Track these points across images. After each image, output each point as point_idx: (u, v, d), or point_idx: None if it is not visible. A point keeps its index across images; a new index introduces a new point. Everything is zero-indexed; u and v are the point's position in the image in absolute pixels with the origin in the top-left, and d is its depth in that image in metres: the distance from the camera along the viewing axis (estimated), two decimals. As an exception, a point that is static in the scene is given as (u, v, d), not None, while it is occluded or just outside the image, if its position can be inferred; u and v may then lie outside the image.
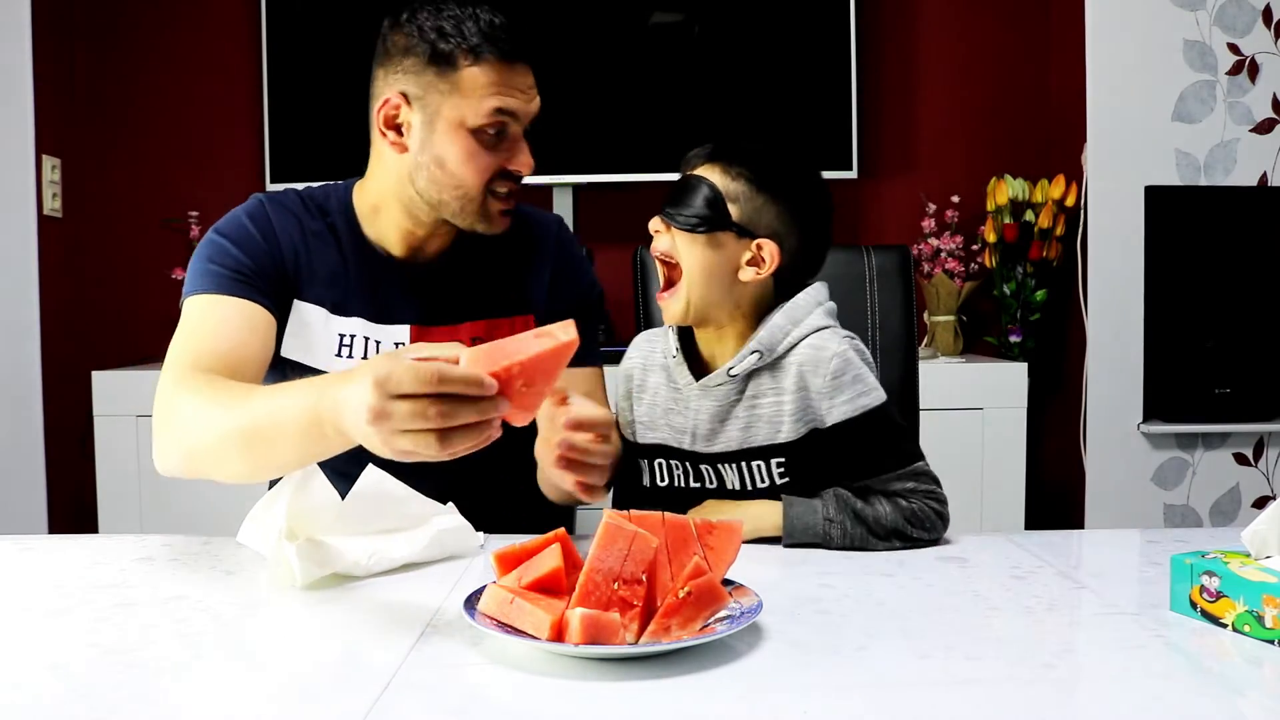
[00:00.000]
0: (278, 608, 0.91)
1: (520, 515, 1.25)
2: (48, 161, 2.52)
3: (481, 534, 1.09)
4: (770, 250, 1.13)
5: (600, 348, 1.37)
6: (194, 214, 2.64)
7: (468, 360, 0.79)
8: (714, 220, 1.12)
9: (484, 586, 0.82)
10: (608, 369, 1.36)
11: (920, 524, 1.09)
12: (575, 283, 1.36)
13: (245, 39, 2.70)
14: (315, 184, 1.33)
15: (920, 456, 1.14)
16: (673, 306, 1.15)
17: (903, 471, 1.12)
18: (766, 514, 1.11)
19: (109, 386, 2.36)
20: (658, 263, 1.17)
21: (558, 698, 0.70)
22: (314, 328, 1.24)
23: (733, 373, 1.13)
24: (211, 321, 1.16)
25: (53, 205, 2.54)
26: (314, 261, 1.24)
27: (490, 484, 1.29)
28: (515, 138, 1.20)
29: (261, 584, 0.96)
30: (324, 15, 2.58)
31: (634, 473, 1.23)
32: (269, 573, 0.96)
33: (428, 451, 0.80)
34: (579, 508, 1.51)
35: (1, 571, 1.02)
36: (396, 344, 1.25)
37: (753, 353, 1.13)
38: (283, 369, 1.23)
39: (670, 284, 1.15)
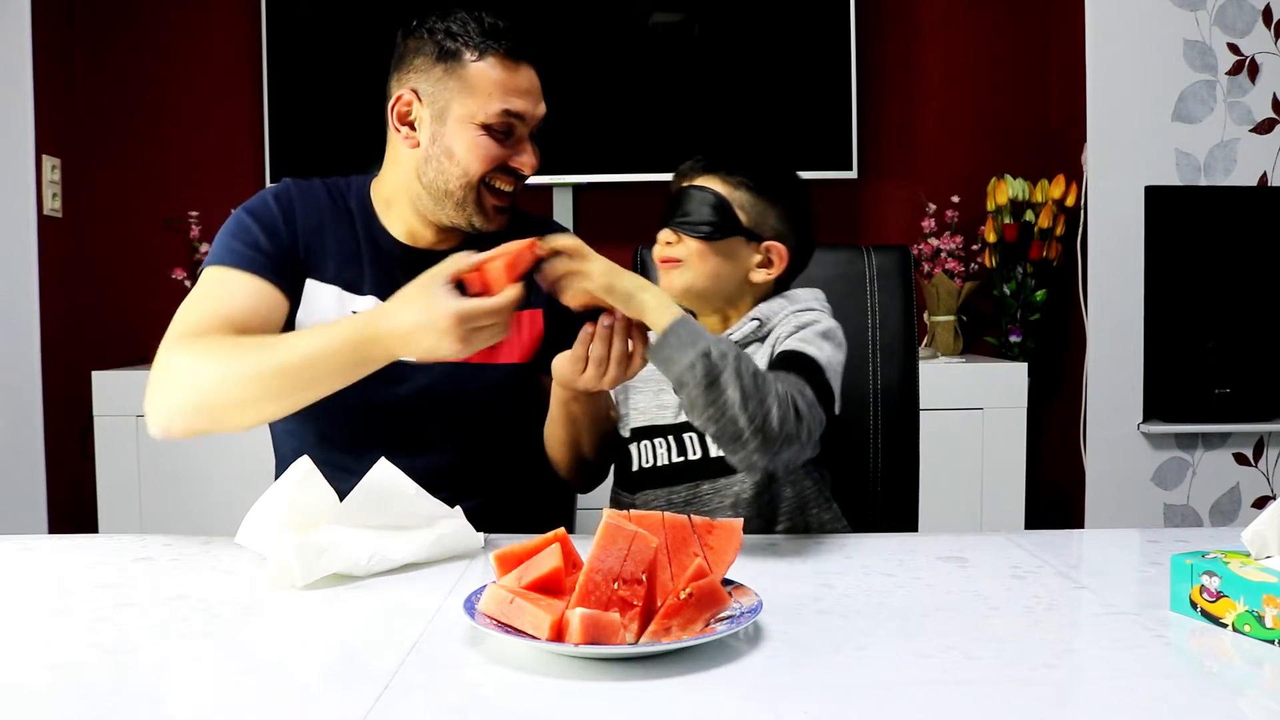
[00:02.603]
0: (278, 608, 0.91)
1: (520, 515, 1.25)
2: (48, 161, 2.52)
3: (482, 534, 1.09)
4: (779, 251, 1.20)
5: None
6: (194, 214, 2.64)
7: (494, 275, 1.05)
8: (725, 226, 1.18)
9: (484, 586, 0.82)
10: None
11: (799, 412, 1.03)
12: None
13: (245, 39, 2.70)
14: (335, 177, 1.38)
15: (827, 412, 1.10)
16: (675, 280, 1.19)
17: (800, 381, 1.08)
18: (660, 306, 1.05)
19: (109, 386, 2.36)
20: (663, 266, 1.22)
21: (558, 698, 0.70)
22: (328, 306, 1.27)
23: (733, 338, 1.18)
24: (223, 291, 1.22)
25: (53, 205, 2.54)
26: (329, 243, 1.29)
27: (494, 475, 1.30)
28: (521, 138, 1.26)
29: (261, 584, 0.96)
30: (324, 15, 2.58)
31: (625, 461, 1.27)
32: (268, 573, 0.96)
33: (494, 340, 1.06)
34: (579, 508, 1.51)
35: (1, 571, 1.02)
36: None
37: (753, 320, 1.19)
38: None
39: (669, 260, 1.19)
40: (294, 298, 1.26)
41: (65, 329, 2.58)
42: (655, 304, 1.05)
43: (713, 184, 1.19)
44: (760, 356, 1.17)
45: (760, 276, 1.20)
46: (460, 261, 1.06)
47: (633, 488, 1.25)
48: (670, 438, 1.21)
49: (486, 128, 1.22)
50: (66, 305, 2.60)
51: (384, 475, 1.04)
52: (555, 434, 1.25)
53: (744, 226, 1.19)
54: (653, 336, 1.05)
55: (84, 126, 2.70)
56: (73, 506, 2.55)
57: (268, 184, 2.57)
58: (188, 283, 2.58)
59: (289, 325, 1.25)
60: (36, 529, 2.44)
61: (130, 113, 2.73)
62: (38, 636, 0.83)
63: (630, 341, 1.08)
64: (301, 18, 2.58)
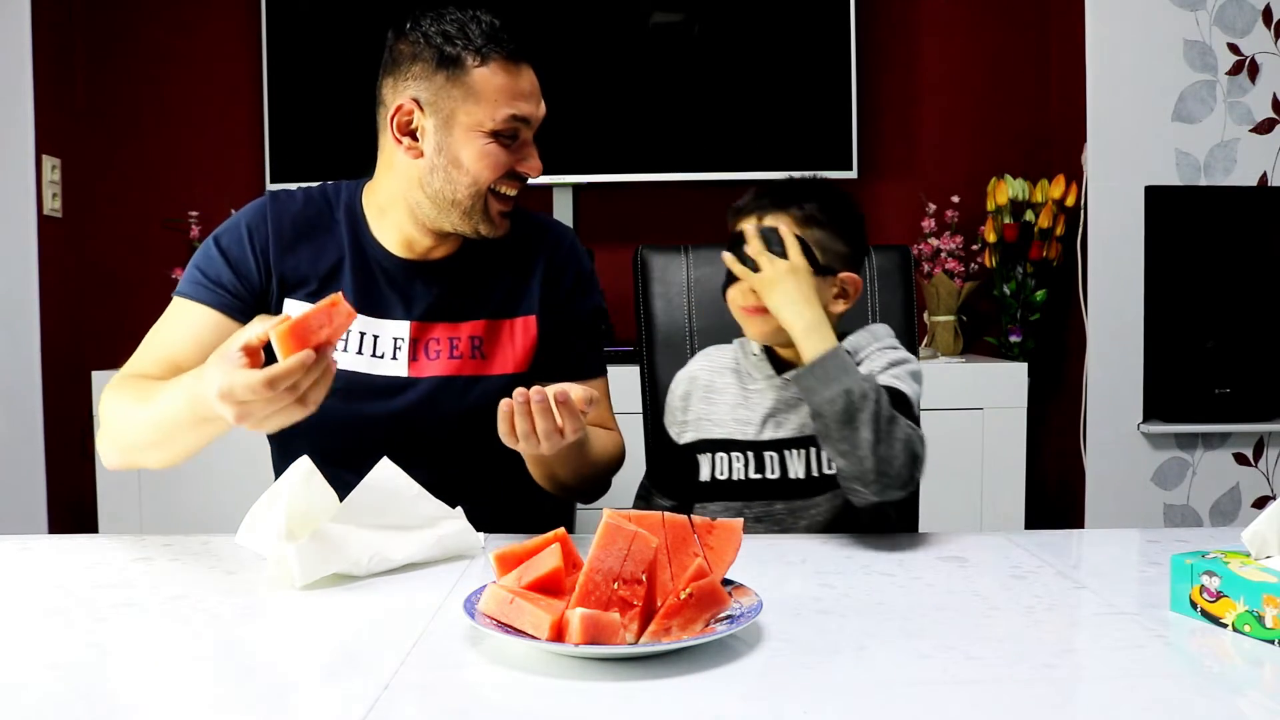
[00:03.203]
0: (277, 608, 0.91)
1: (520, 515, 1.25)
2: (48, 161, 2.52)
3: (482, 534, 1.09)
4: (854, 282, 1.22)
5: (604, 358, 1.40)
6: (194, 214, 2.64)
7: (281, 340, 0.92)
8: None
9: (484, 586, 0.82)
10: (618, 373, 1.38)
11: (917, 458, 1.10)
12: (581, 297, 1.37)
13: (245, 40, 2.70)
14: (327, 182, 1.36)
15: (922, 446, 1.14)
16: (762, 326, 1.19)
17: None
18: (816, 331, 1.11)
19: (109, 386, 2.36)
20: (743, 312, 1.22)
21: (558, 698, 0.70)
22: None
23: None
24: (176, 328, 1.24)
25: (53, 205, 2.54)
26: (308, 259, 1.27)
27: (491, 485, 1.29)
28: (526, 141, 1.24)
29: (261, 584, 0.96)
30: (324, 16, 2.58)
31: (690, 469, 1.27)
32: (268, 573, 0.96)
33: (296, 416, 0.96)
34: (579, 508, 1.51)
35: (1, 571, 1.02)
36: (395, 339, 1.27)
37: (844, 350, 1.19)
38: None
39: (761, 309, 1.18)
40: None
41: (65, 329, 2.58)
42: (805, 330, 1.11)
43: (782, 222, 1.18)
44: None
45: (839, 308, 1.22)
46: (254, 329, 0.96)
47: (697, 498, 1.26)
48: (750, 453, 1.23)
49: (494, 134, 1.20)
50: (66, 305, 2.60)
51: (386, 475, 1.04)
52: (530, 468, 1.23)
53: (821, 265, 1.18)
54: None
55: (84, 126, 2.70)
56: (73, 506, 2.55)
57: (267, 184, 2.56)
58: (188, 283, 2.58)
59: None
60: (36, 529, 2.44)
61: (130, 113, 2.73)
62: (38, 636, 0.83)
63: (557, 417, 1.03)
64: (301, 18, 2.58)
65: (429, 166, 1.22)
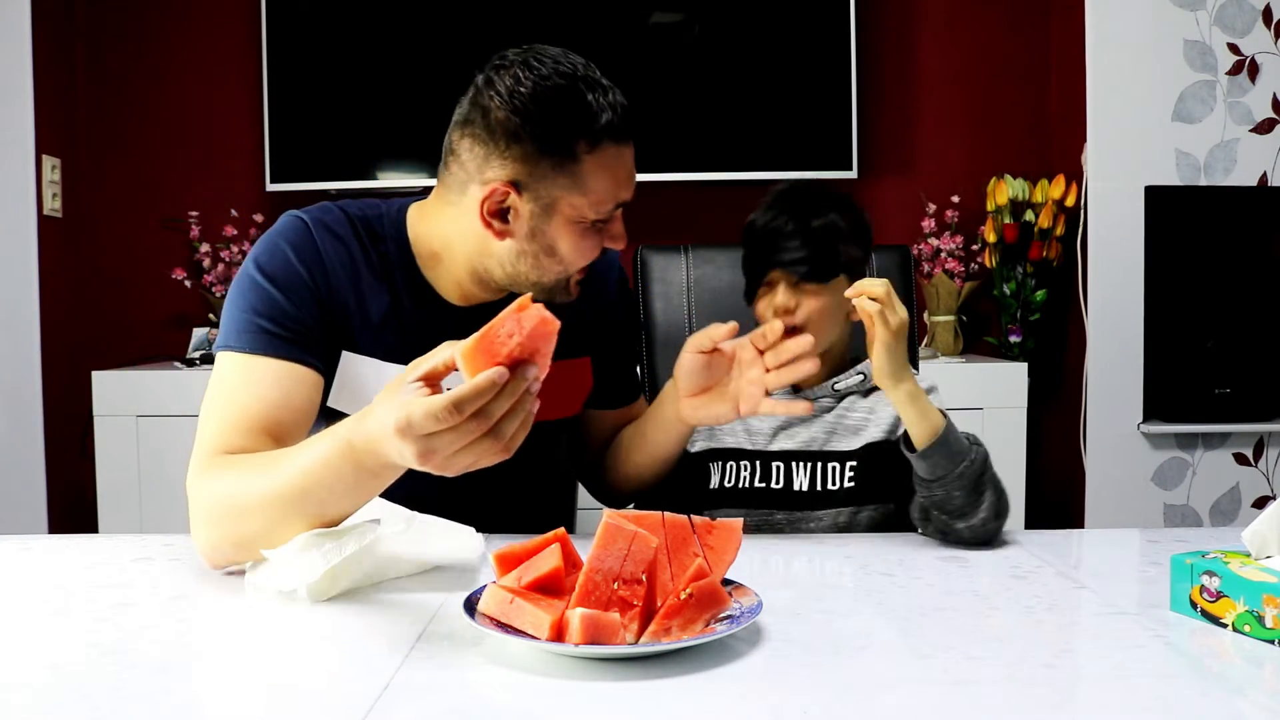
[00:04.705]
0: (278, 608, 0.91)
1: (520, 515, 1.25)
2: (48, 161, 2.52)
3: (481, 534, 1.09)
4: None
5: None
6: (194, 214, 2.64)
7: (466, 359, 0.80)
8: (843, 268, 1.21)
9: (484, 586, 0.82)
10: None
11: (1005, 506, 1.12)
12: (628, 324, 1.37)
13: (245, 39, 2.70)
14: (363, 205, 1.20)
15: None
16: (808, 368, 1.12)
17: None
18: (921, 408, 1.08)
19: (109, 386, 2.36)
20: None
21: (558, 698, 0.70)
22: (365, 379, 1.13)
23: (837, 388, 1.24)
24: (248, 389, 1.05)
25: (53, 205, 2.54)
26: (366, 302, 1.13)
27: (491, 485, 1.28)
28: (616, 217, 1.14)
29: (262, 584, 0.96)
30: (324, 18, 2.58)
31: (701, 476, 1.28)
32: (272, 578, 0.96)
33: (491, 455, 0.82)
34: (579, 508, 1.51)
35: (1, 571, 1.02)
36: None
37: (858, 374, 1.24)
38: (330, 420, 1.08)
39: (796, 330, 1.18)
40: (329, 363, 1.11)
41: (65, 329, 2.58)
42: (911, 395, 1.07)
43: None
44: (861, 407, 1.24)
45: (857, 317, 1.21)
46: (437, 355, 0.84)
47: (705, 504, 1.27)
48: (757, 462, 1.25)
49: (594, 222, 1.10)
50: (66, 305, 2.60)
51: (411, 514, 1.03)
52: (650, 459, 1.24)
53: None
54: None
55: (84, 126, 2.70)
56: (73, 506, 2.55)
57: (267, 184, 2.56)
58: (187, 283, 2.58)
59: (325, 392, 1.12)
60: (36, 529, 2.44)
61: (130, 113, 2.73)
62: (38, 636, 0.83)
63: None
64: (301, 18, 2.58)
65: (517, 251, 1.10)
